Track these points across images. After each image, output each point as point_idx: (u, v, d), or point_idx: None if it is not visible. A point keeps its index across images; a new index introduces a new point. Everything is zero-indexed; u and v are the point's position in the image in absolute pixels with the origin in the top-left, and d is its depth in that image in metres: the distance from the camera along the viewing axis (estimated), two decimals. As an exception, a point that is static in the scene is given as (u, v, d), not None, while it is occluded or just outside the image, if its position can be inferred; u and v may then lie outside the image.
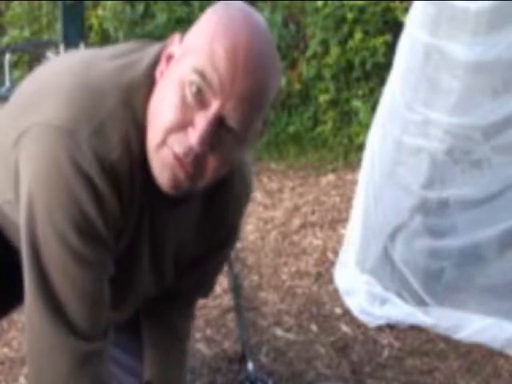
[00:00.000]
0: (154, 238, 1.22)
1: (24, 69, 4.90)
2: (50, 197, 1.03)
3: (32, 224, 1.05)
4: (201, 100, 1.02)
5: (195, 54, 1.03)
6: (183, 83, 1.03)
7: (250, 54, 1.01)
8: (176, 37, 1.09)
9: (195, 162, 1.05)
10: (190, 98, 1.02)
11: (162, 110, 1.04)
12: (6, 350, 2.12)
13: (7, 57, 4.23)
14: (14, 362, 2.06)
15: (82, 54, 1.25)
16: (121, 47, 1.17)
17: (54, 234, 1.04)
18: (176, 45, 1.08)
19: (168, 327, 1.44)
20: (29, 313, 1.10)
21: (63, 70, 1.14)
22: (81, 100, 1.06)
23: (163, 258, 1.28)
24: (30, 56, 4.84)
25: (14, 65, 4.71)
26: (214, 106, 1.02)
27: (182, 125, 1.03)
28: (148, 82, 1.09)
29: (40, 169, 1.03)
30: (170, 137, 1.04)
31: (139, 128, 1.07)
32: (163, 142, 1.04)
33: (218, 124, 1.03)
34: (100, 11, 4.57)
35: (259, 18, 1.07)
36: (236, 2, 1.09)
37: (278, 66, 1.09)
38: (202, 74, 1.01)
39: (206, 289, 1.48)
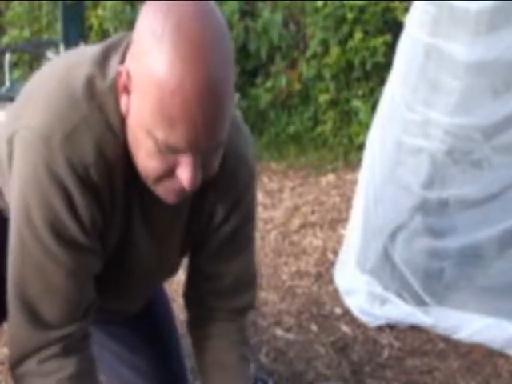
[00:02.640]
0: (149, 226, 1.23)
1: (24, 69, 4.91)
2: (28, 198, 1.09)
3: (15, 218, 1.12)
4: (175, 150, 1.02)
5: (149, 106, 0.98)
6: (151, 138, 1.01)
7: (200, 88, 0.95)
8: (123, 69, 1.03)
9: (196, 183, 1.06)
10: (163, 150, 1.02)
11: (142, 160, 1.05)
12: (5, 350, 2.12)
13: (7, 57, 4.23)
14: (13, 362, 2.06)
15: (69, 56, 1.24)
16: (108, 45, 1.15)
17: (31, 231, 1.10)
18: (126, 78, 1.03)
19: (224, 344, 1.39)
20: (8, 300, 1.16)
21: (50, 73, 1.16)
22: (57, 105, 1.08)
23: (167, 245, 1.28)
24: (30, 56, 4.84)
25: (14, 65, 4.72)
26: (190, 155, 1.01)
27: (169, 169, 1.04)
28: (114, 96, 1.08)
29: (21, 172, 1.09)
30: (161, 180, 1.06)
31: (114, 131, 1.09)
32: (157, 183, 1.07)
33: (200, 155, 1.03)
34: (100, 11, 4.58)
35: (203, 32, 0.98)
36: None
37: (228, 55, 1.00)
38: (164, 142, 1.00)
39: (245, 287, 1.40)
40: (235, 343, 1.38)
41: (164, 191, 1.09)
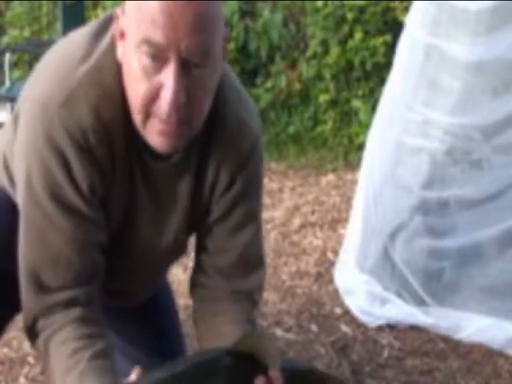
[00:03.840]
0: (152, 195, 1.23)
1: (24, 69, 4.91)
2: (29, 165, 1.14)
3: (19, 187, 1.17)
4: (159, 60, 1.05)
5: (135, 22, 1.05)
6: (138, 55, 1.06)
7: None
8: (119, 9, 1.11)
9: (180, 112, 1.07)
10: (148, 65, 1.05)
11: (132, 89, 1.09)
12: (5, 350, 2.12)
13: (7, 57, 4.24)
14: (13, 362, 2.06)
15: (72, 33, 1.28)
16: (106, 18, 1.20)
17: (32, 198, 1.14)
18: (122, 17, 1.10)
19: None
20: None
21: (51, 51, 1.23)
22: (55, 73, 1.14)
23: (170, 215, 1.28)
24: (30, 56, 4.84)
25: (14, 65, 4.72)
26: (171, 58, 1.04)
27: (154, 92, 1.06)
28: (112, 56, 1.13)
29: (22, 140, 1.15)
30: (150, 109, 1.07)
31: (111, 92, 1.12)
32: (147, 116, 1.08)
33: (183, 68, 1.05)
34: (100, 11, 4.58)
35: None
36: None
37: None
38: (147, 41, 1.03)
39: (251, 268, 1.36)
40: (239, 320, 1.33)
41: (153, 134, 1.09)
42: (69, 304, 1.17)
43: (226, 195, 1.27)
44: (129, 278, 1.36)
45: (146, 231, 1.27)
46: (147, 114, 1.08)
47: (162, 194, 1.25)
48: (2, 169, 1.33)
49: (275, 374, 1.04)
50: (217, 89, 1.16)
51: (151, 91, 1.06)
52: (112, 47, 1.13)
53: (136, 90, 1.08)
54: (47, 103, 1.11)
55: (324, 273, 2.71)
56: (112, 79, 1.12)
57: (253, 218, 1.34)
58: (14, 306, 1.29)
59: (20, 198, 1.18)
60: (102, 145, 1.13)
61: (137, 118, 1.10)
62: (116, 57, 1.12)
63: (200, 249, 1.36)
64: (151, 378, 1.01)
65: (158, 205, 1.25)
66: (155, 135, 1.10)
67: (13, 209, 1.27)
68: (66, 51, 1.17)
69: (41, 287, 1.17)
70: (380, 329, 2.34)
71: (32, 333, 1.20)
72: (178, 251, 1.41)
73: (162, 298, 1.63)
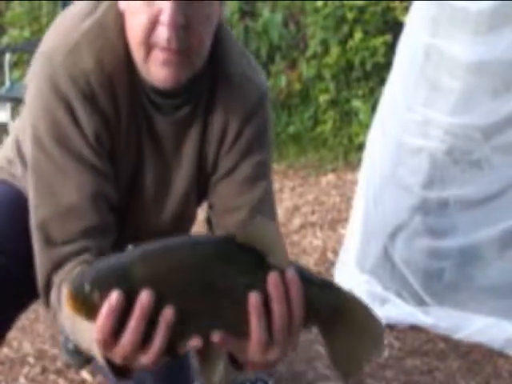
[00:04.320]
0: (158, 153, 1.24)
1: (24, 69, 4.90)
2: (36, 116, 1.17)
3: (28, 138, 1.19)
4: None
5: None
6: None
7: None
8: None
9: (180, 38, 1.09)
10: None
11: (133, 24, 1.12)
12: (5, 350, 2.12)
13: (7, 57, 4.23)
14: (13, 362, 2.06)
15: None
16: None
17: (39, 146, 1.17)
18: None
19: None
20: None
21: (62, 12, 1.28)
22: (62, 28, 1.20)
23: (176, 175, 1.28)
24: (30, 56, 4.84)
25: (14, 65, 4.71)
26: None
27: (154, 20, 1.09)
28: (115, 11, 1.17)
29: (29, 91, 1.19)
30: (151, 39, 1.10)
31: (114, 44, 1.16)
32: (148, 48, 1.11)
33: None
34: (100, 11, 4.57)
35: None
36: None
37: None
38: None
39: None
40: None
41: (156, 66, 1.11)
42: (80, 252, 1.15)
43: (233, 149, 1.26)
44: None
45: (151, 192, 1.27)
46: (148, 45, 1.10)
47: (168, 152, 1.25)
48: (15, 152, 1.36)
49: (293, 275, 0.89)
50: (219, 46, 1.21)
51: (151, 19, 1.09)
52: (115, 3, 1.16)
53: (136, 24, 1.10)
54: (52, 54, 1.15)
55: (324, 273, 2.70)
56: (115, 33, 1.16)
57: (262, 172, 1.30)
58: (18, 305, 1.30)
59: (29, 153, 1.20)
60: (106, 94, 1.16)
61: (139, 54, 1.13)
62: (119, 11, 1.15)
63: (210, 211, 1.32)
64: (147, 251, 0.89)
65: (164, 164, 1.26)
66: (158, 67, 1.11)
67: (16, 208, 1.28)
68: (71, 11, 1.23)
69: (52, 242, 1.16)
70: (380, 329, 2.34)
71: (47, 293, 1.18)
72: (185, 219, 1.38)
73: None
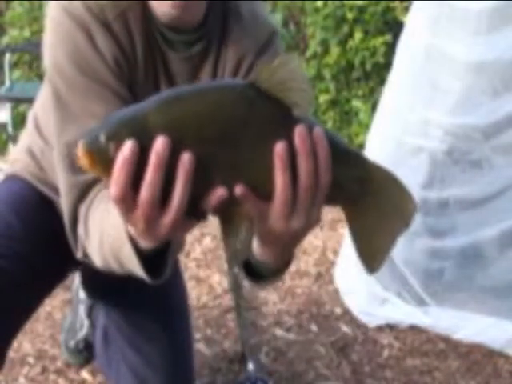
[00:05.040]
0: (173, 87, 1.24)
1: (24, 69, 4.90)
2: (53, 41, 1.18)
3: (47, 72, 1.20)
4: None
5: None
6: None
7: None
8: None
9: None
10: None
11: None
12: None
13: (7, 57, 4.23)
14: (14, 362, 2.06)
15: None
16: None
17: (59, 74, 1.16)
18: None
19: None
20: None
21: None
22: None
23: None
24: (30, 56, 4.84)
25: (14, 65, 4.71)
26: None
27: None
28: None
29: (47, 22, 1.22)
30: None
31: None
32: None
33: None
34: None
35: None
36: None
37: None
38: None
39: None
40: None
41: None
42: None
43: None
44: None
45: None
46: None
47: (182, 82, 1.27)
48: (33, 129, 1.39)
49: (321, 133, 0.82)
50: None
51: None
52: None
53: None
54: None
55: (324, 273, 2.71)
56: None
57: None
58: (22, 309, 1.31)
59: (48, 82, 1.20)
60: (121, 27, 1.17)
61: None
62: None
63: None
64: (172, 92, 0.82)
65: None
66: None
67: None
68: None
69: (77, 168, 1.12)
70: (380, 329, 2.34)
71: (74, 227, 1.16)
72: None
73: (174, 292, 1.62)
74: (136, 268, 0.94)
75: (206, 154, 0.78)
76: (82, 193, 1.13)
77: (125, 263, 0.97)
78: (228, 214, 0.81)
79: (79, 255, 1.19)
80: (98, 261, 1.09)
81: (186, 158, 0.77)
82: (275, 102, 0.81)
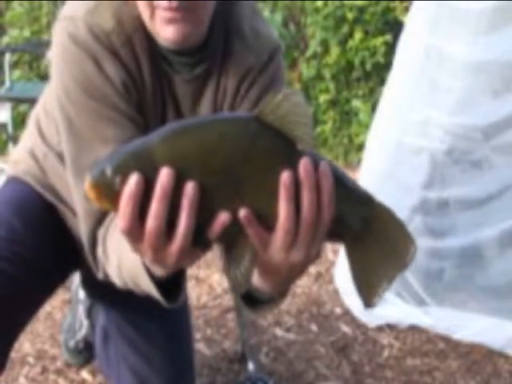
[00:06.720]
0: (177, 110, 1.27)
1: (24, 69, 4.91)
2: (63, 74, 1.19)
3: (56, 98, 1.21)
4: None
5: None
6: None
7: None
8: None
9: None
10: None
11: None
12: (5, 349, 2.12)
13: (7, 57, 4.23)
14: (13, 362, 2.05)
15: None
16: None
17: (73, 106, 1.18)
18: None
19: None
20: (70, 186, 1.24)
21: None
22: None
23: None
24: (30, 56, 4.84)
25: (14, 65, 4.72)
26: None
27: None
28: None
29: (54, 51, 1.22)
30: (154, 9, 1.13)
31: (131, 5, 1.19)
32: (152, 10, 1.14)
33: None
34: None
35: None
36: None
37: None
38: None
39: None
40: None
41: (162, 25, 1.13)
42: None
43: (246, 98, 1.28)
44: None
45: None
46: (151, 6, 1.13)
47: (186, 112, 1.28)
48: (36, 132, 1.40)
49: (326, 167, 0.83)
50: (231, 4, 1.25)
51: None
52: None
53: None
54: (73, 15, 1.19)
55: (324, 273, 2.71)
56: None
57: None
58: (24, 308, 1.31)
59: (58, 108, 1.20)
60: (128, 53, 1.19)
61: (145, 15, 1.15)
62: None
63: None
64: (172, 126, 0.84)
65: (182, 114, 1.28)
66: (164, 26, 1.13)
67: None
68: None
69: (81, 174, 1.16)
70: (380, 329, 2.34)
71: (93, 250, 1.17)
72: None
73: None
74: (153, 293, 0.98)
75: (210, 184, 0.80)
76: (99, 218, 1.15)
77: (143, 289, 1.00)
78: (232, 242, 0.83)
79: (100, 276, 1.21)
80: (118, 282, 1.12)
81: (190, 189, 0.78)
82: (279, 136, 0.82)
